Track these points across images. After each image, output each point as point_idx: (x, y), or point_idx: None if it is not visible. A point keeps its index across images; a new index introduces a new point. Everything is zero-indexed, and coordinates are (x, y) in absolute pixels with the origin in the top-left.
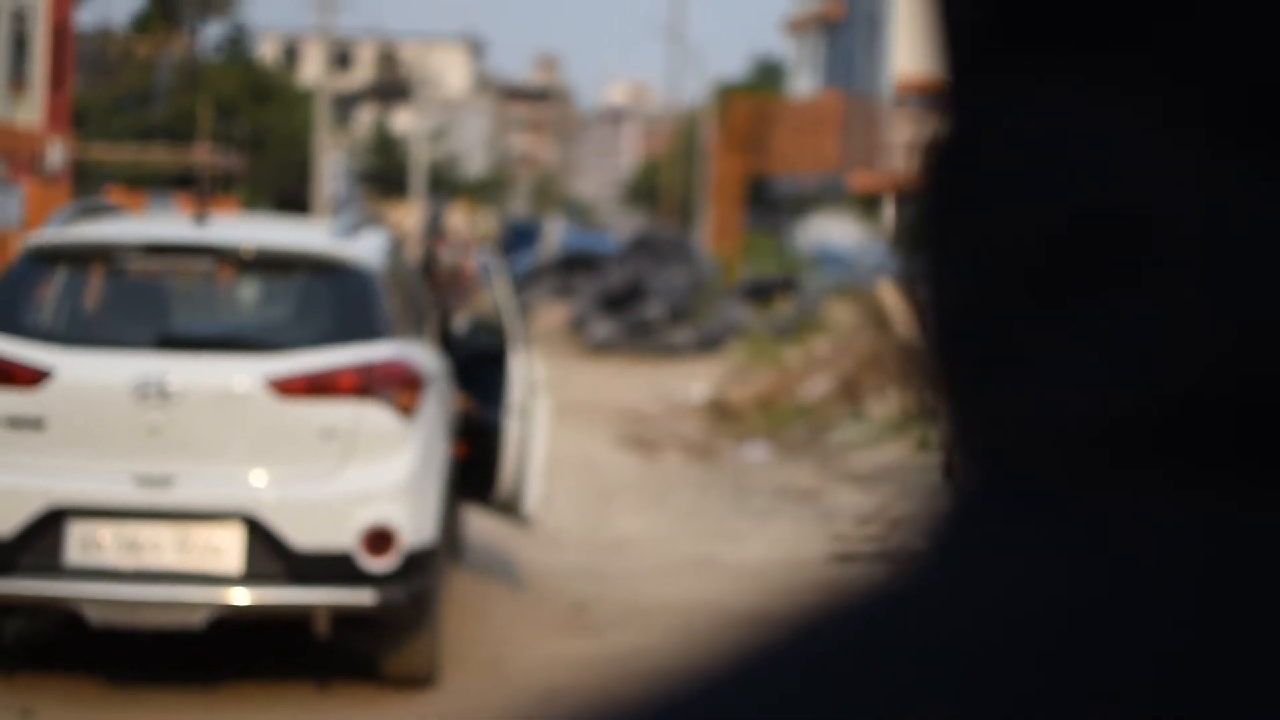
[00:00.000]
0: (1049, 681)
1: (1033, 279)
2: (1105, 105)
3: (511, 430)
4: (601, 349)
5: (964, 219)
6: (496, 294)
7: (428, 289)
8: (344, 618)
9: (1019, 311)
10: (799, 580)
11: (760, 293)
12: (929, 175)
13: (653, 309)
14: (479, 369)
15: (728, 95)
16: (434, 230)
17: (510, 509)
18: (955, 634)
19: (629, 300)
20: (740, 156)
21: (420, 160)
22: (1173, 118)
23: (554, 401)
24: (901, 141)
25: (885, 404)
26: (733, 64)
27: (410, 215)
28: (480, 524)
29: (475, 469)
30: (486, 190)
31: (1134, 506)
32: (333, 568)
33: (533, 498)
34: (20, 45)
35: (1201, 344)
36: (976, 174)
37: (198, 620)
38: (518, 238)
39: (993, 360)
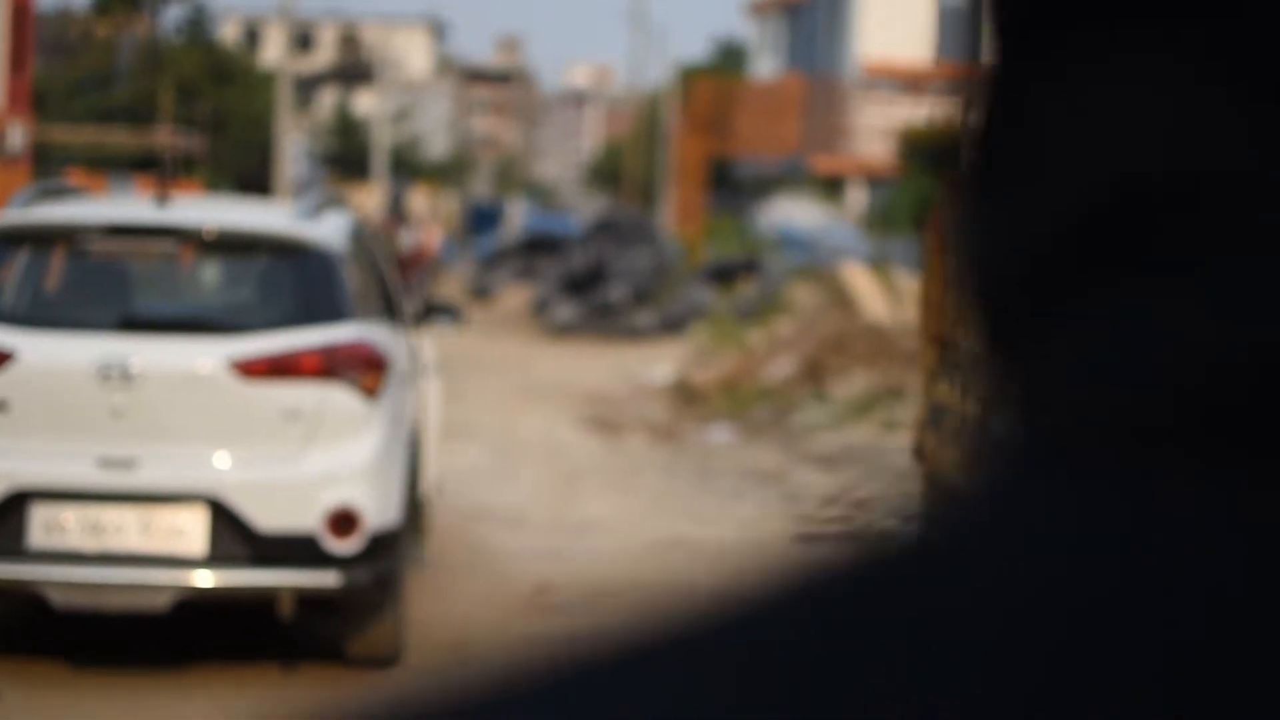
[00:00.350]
0: (1113, 644)
1: (1084, 250)
2: (1159, 73)
3: None
4: (565, 331)
5: (1017, 189)
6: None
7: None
8: (308, 599)
9: (1070, 282)
10: (765, 560)
11: (723, 275)
12: (979, 149)
13: (616, 291)
14: None
15: (690, 78)
16: (395, 212)
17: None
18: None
19: (592, 282)
20: (703, 139)
21: (382, 142)
22: (1232, 81)
23: (445, 384)
24: (867, 124)
25: (848, 385)
26: (695, 47)
27: (371, 197)
28: (445, 506)
29: None
30: (449, 172)
31: (1173, 482)
32: (297, 550)
33: (429, 479)
34: None
35: (1245, 331)
36: (1027, 144)
37: (162, 603)
38: (480, 220)
39: (1047, 325)
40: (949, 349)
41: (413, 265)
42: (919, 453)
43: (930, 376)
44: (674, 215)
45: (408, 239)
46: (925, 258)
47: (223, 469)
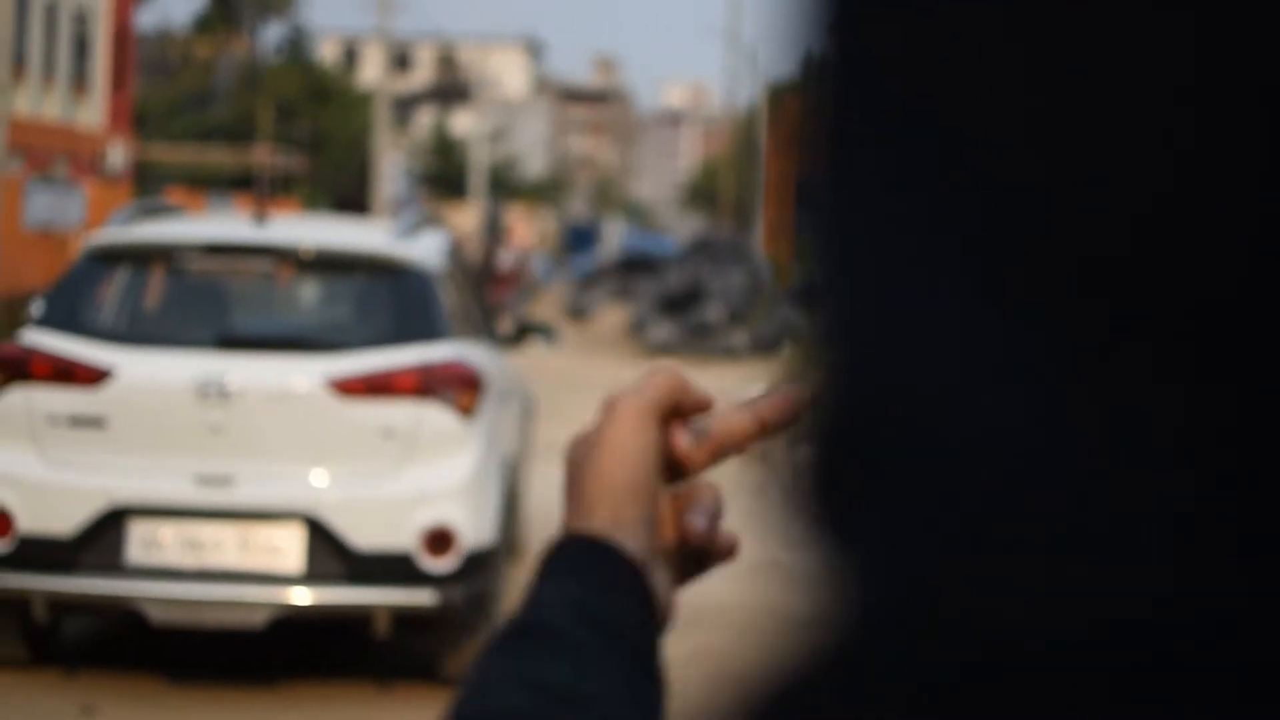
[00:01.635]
0: None
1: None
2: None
3: None
4: (660, 351)
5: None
6: None
7: (486, 290)
8: (404, 618)
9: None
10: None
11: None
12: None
13: (711, 311)
14: None
15: (780, 96)
16: (493, 232)
17: None
18: None
19: (688, 302)
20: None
21: (479, 162)
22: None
23: (541, 403)
24: None
25: None
26: (791, 64)
27: (468, 217)
28: (540, 523)
29: None
30: (545, 192)
31: None
32: (392, 568)
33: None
34: (82, 47)
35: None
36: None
37: (258, 620)
38: (577, 240)
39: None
40: None
41: (508, 284)
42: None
43: None
44: (765, 235)
45: (504, 258)
46: None
47: (319, 487)
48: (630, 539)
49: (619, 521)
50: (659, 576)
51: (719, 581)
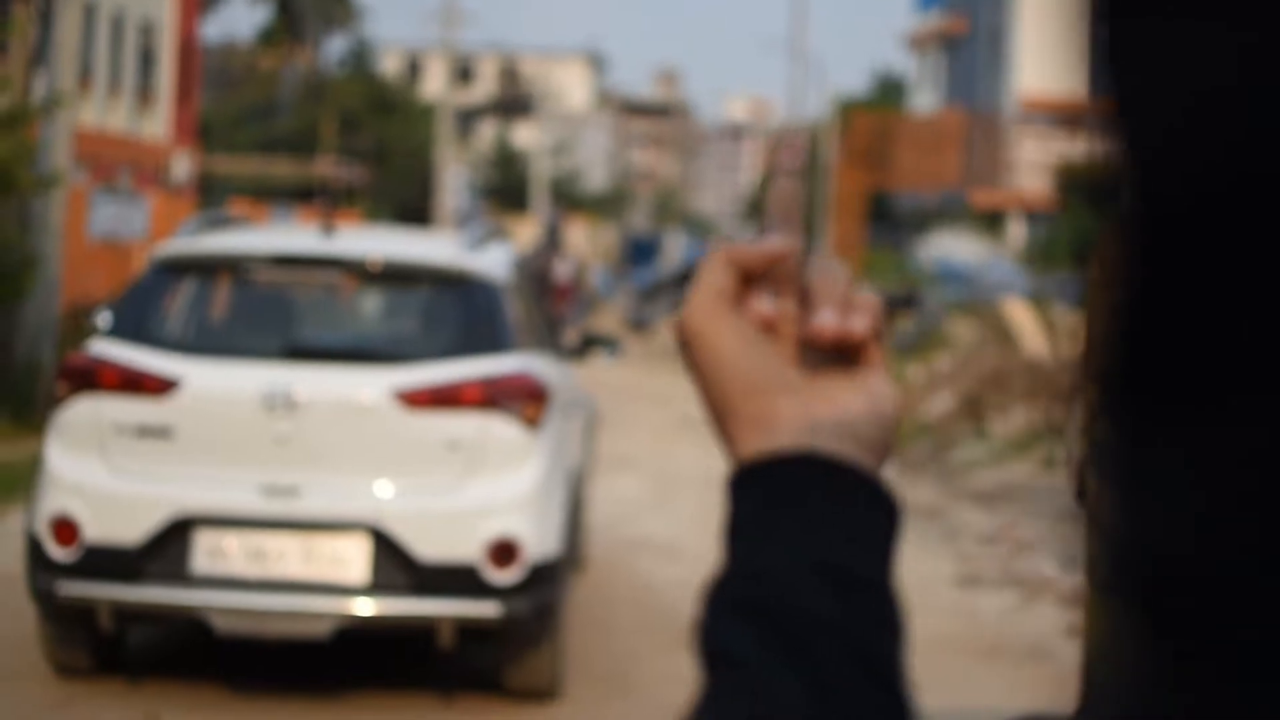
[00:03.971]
0: None
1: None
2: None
3: None
4: None
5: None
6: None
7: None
8: (468, 629)
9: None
10: (925, 600)
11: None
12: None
13: None
14: None
15: (849, 111)
16: (551, 244)
17: None
18: None
19: None
20: (861, 172)
21: (541, 175)
22: None
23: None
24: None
25: (1008, 422)
26: (854, 79)
27: (530, 229)
28: (602, 537)
29: None
30: (607, 205)
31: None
32: (457, 579)
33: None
34: (147, 59)
35: None
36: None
37: (323, 630)
38: (638, 252)
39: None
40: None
41: (568, 297)
42: (1081, 494)
43: (1092, 415)
44: (832, 248)
45: (563, 271)
46: (1087, 293)
47: (384, 498)
48: (820, 438)
49: (784, 423)
50: (864, 455)
51: None
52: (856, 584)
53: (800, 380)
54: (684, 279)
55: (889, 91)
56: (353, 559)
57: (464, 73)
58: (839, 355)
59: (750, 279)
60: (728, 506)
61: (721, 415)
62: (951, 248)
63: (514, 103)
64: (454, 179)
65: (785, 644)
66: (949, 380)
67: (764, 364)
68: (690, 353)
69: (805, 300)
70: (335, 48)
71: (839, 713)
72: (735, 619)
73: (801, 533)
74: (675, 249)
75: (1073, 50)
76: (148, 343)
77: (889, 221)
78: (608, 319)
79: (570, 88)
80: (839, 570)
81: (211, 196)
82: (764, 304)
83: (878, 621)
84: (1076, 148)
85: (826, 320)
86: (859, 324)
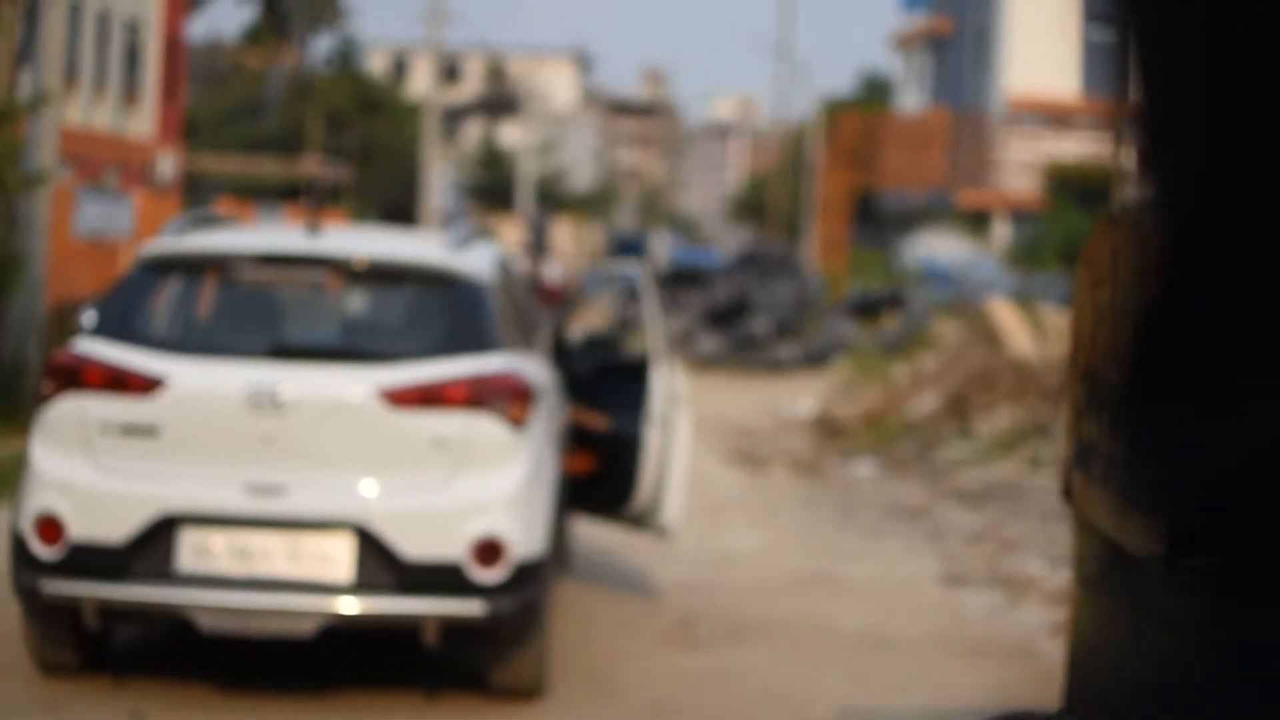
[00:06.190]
0: None
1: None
2: None
3: (652, 442)
4: (708, 363)
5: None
6: (645, 306)
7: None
8: (453, 628)
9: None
10: (910, 599)
11: (867, 308)
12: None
13: (759, 324)
14: (613, 381)
15: (835, 111)
16: (536, 245)
17: (644, 521)
18: None
19: (735, 315)
20: (848, 172)
21: (527, 174)
22: None
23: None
24: (1012, 158)
25: (993, 421)
26: (840, 79)
27: (513, 230)
28: (587, 535)
29: (608, 481)
30: (593, 204)
31: None
32: (442, 578)
33: (673, 510)
34: (133, 57)
35: None
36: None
37: (308, 628)
38: (624, 252)
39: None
40: (1098, 386)
41: (555, 298)
42: (1067, 493)
43: (1078, 414)
44: (818, 248)
45: (549, 272)
46: (1074, 292)
47: (370, 497)
48: None
49: None
50: None
51: (761, 598)
52: None
53: None
54: (671, 279)
55: (875, 91)
56: (338, 557)
57: (450, 72)
58: None
59: None
60: None
61: None
62: (937, 247)
63: (500, 102)
64: (440, 178)
65: None
66: (934, 380)
67: None
68: None
69: None
70: (321, 46)
71: None
72: None
73: None
74: (661, 248)
75: (1072, 51)
76: (133, 341)
77: (875, 221)
78: (593, 318)
79: (556, 87)
80: None
81: (197, 195)
82: None
83: None
84: (1064, 147)
85: None
86: None
